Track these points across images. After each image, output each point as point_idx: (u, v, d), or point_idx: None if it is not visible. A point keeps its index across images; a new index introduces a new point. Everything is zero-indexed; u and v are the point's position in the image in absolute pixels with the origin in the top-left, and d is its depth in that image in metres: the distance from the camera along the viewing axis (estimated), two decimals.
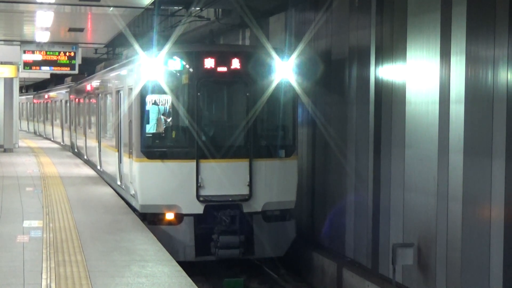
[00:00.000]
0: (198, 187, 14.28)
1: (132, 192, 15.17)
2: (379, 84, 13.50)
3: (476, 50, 10.57)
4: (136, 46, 16.40)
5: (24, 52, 25.64)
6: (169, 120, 15.43)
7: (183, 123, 14.57)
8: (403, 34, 12.54)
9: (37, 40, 24.77)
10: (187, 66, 14.53)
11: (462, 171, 10.89)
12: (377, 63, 13.56)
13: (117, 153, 17.45)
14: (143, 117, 14.64)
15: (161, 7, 20.83)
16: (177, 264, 10.10)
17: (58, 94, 38.10)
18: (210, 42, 16.94)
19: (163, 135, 15.28)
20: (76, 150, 29.07)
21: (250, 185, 14.45)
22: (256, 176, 14.52)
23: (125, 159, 16.10)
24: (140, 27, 26.87)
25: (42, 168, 23.19)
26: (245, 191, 14.46)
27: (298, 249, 15.95)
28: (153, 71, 14.29)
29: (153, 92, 14.73)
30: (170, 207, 14.33)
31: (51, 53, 25.77)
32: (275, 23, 19.03)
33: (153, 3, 17.94)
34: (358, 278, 13.55)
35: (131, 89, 15.36)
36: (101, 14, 19.01)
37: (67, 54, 25.89)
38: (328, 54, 15.78)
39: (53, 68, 26.04)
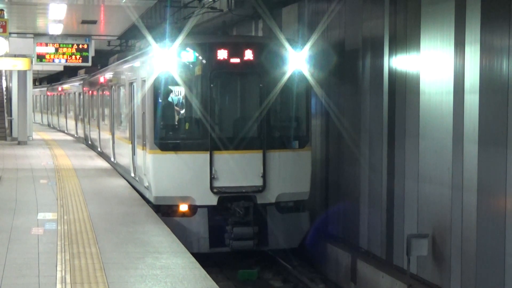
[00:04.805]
0: (212, 178, 14.26)
1: (146, 184, 15.18)
2: (393, 74, 13.43)
3: (491, 39, 10.49)
4: (149, 38, 16.40)
5: (37, 44, 25.70)
6: (182, 111, 15.43)
7: (196, 114, 14.55)
8: (417, 24, 12.47)
9: (50, 32, 24.81)
10: (200, 57, 14.50)
11: (476, 162, 10.83)
12: (390, 53, 13.49)
13: (130, 145, 17.46)
14: (157, 108, 14.64)
15: None
16: (191, 255, 10.09)
17: (71, 86, 38.15)
18: (223, 34, 16.91)
19: (177, 126, 15.28)
20: (89, 142, 29.12)
21: (264, 176, 14.43)
22: (270, 167, 14.49)
23: (139, 151, 16.11)
24: (153, 18, 26.86)
25: (56, 161, 23.25)
26: (259, 182, 14.44)
27: (312, 240, 15.93)
28: (166, 63, 14.28)
29: (166, 83, 14.73)
30: (184, 199, 14.34)
31: (64, 45, 25.80)
32: (288, 14, 18.97)
33: None
34: (373, 269, 13.53)
35: (144, 81, 15.36)
36: (114, 6, 19.01)
37: (80, 46, 25.92)
38: (342, 44, 15.72)
39: (66, 60, 26.08)
